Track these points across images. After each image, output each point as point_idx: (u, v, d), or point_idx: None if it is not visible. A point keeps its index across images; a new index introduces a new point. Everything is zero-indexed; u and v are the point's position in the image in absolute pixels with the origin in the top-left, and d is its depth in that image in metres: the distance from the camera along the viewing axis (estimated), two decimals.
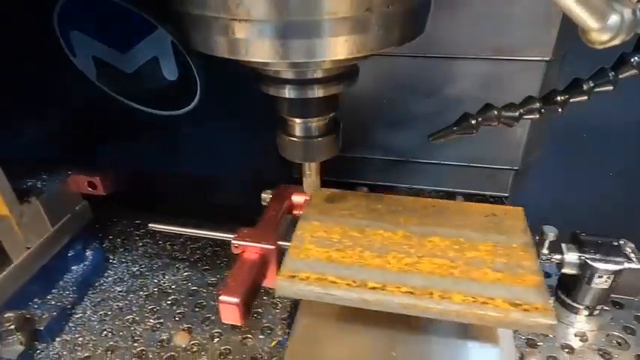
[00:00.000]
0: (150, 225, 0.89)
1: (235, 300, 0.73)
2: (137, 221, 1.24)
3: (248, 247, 0.81)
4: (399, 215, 0.76)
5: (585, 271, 0.84)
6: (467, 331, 0.74)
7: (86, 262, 1.07)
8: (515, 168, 0.81)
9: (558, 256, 0.84)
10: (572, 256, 0.84)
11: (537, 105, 0.57)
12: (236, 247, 0.82)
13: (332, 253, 0.69)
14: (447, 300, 0.60)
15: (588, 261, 0.83)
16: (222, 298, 0.74)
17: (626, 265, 0.82)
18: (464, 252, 0.68)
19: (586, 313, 0.89)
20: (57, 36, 0.96)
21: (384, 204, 0.79)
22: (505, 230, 0.73)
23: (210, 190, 1.23)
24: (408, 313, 0.61)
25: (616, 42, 0.44)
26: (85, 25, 0.94)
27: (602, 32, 0.43)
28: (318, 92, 0.58)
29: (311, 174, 0.73)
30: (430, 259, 0.67)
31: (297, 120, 0.64)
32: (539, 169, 0.90)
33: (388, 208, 0.78)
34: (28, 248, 0.93)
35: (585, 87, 0.55)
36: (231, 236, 0.82)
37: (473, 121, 0.59)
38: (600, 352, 0.86)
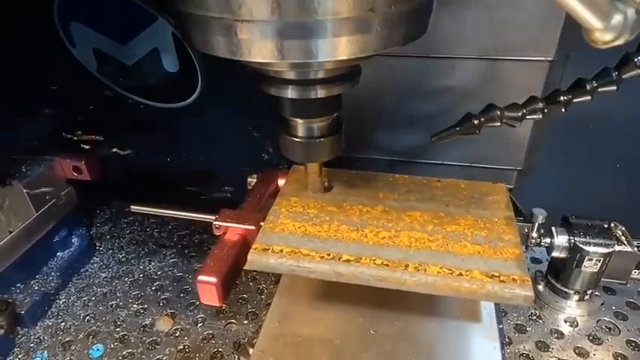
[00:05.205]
0: (132, 207, 0.88)
1: (213, 280, 0.71)
2: (126, 209, 1.22)
3: (229, 228, 0.80)
4: (378, 191, 0.74)
5: (575, 255, 0.82)
6: (447, 310, 0.73)
7: (72, 248, 1.07)
8: (518, 168, 0.80)
9: (548, 240, 0.83)
10: (561, 239, 0.83)
11: (540, 105, 0.57)
12: (217, 227, 0.80)
13: (308, 228, 0.67)
14: (422, 272, 0.59)
15: (578, 244, 0.81)
16: (200, 277, 0.72)
17: (616, 248, 0.81)
18: (443, 226, 0.66)
19: (576, 298, 0.88)
20: (56, 27, 0.96)
21: (364, 180, 0.78)
22: (487, 205, 0.71)
23: (209, 183, 1.23)
24: (383, 285, 0.59)
25: (619, 42, 0.43)
26: (85, 17, 0.94)
27: (605, 32, 0.42)
28: (320, 93, 0.58)
29: (314, 174, 0.73)
30: (408, 232, 0.65)
31: (300, 120, 0.64)
32: (543, 163, 0.89)
33: (368, 185, 0.76)
34: (11, 232, 0.92)
35: (589, 87, 0.55)
36: (213, 217, 0.81)
37: (475, 122, 0.58)
38: (590, 338, 0.84)
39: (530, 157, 0.80)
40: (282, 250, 0.63)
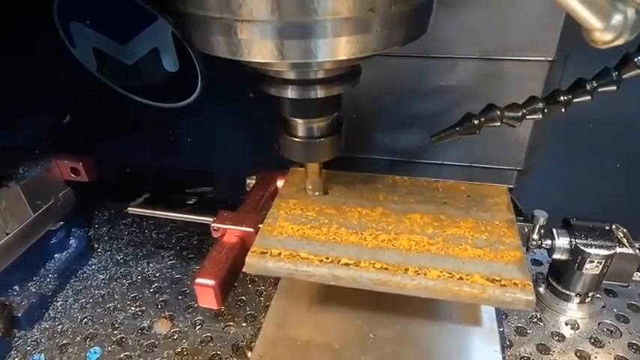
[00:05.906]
0: (129, 208, 0.87)
1: (211, 282, 0.71)
2: (124, 210, 1.22)
3: (227, 230, 0.79)
4: (378, 193, 0.74)
5: (576, 257, 0.81)
6: (448, 314, 0.72)
7: (69, 250, 1.06)
8: (518, 168, 0.80)
9: (549, 242, 0.82)
10: (563, 241, 0.82)
11: (540, 105, 0.56)
12: (215, 229, 0.80)
13: (306, 230, 0.66)
14: (422, 276, 0.58)
15: (579, 246, 0.80)
16: (197, 280, 0.72)
17: (618, 250, 0.80)
18: (444, 229, 0.66)
19: (577, 300, 0.87)
20: (56, 27, 0.96)
21: (364, 182, 0.77)
22: (488, 208, 0.70)
23: (209, 183, 1.22)
24: (382, 290, 0.59)
25: (619, 42, 0.43)
26: (85, 17, 0.94)
27: (605, 32, 0.42)
28: (320, 93, 0.58)
29: (314, 174, 0.73)
30: (408, 235, 0.65)
31: (300, 120, 0.64)
32: (543, 163, 0.89)
33: (368, 187, 0.75)
34: (8, 234, 0.91)
35: (589, 87, 0.54)
36: (211, 219, 0.81)
37: (475, 122, 0.58)
38: (591, 341, 0.83)
39: (530, 157, 0.80)
40: (280, 254, 0.63)
